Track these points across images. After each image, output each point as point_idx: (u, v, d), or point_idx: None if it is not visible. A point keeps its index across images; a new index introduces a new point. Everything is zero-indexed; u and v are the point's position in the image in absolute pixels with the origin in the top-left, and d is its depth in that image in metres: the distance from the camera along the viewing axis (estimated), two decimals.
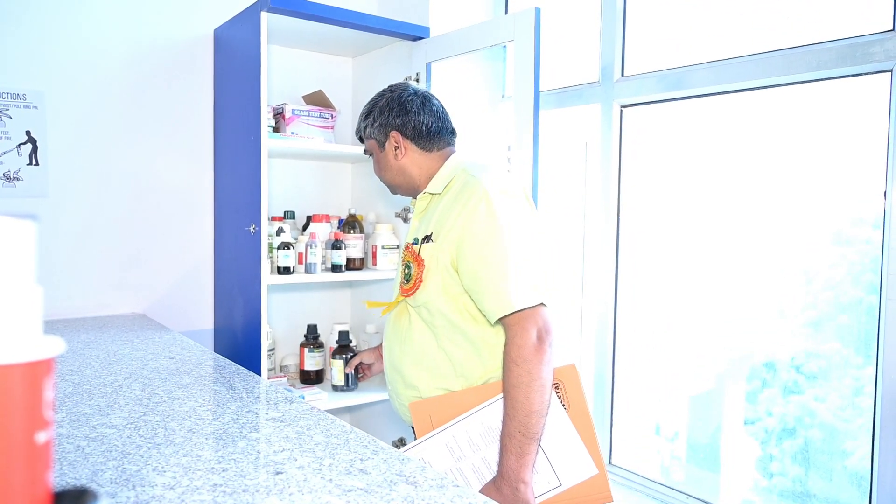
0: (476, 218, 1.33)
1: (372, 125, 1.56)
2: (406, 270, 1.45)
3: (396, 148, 1.53)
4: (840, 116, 1.75)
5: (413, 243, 1.46)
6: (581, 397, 1.43)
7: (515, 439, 1.26)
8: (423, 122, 1.51)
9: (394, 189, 1.62)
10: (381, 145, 1.56)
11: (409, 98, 1.53)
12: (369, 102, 1.59)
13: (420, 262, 1.41)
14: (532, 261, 1.34)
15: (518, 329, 1.28)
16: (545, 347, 1.27)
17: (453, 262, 1.37)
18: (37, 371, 0.38)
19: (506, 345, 1.30)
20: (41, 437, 0.39)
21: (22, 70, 2.05)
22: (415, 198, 1.58)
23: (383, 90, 1.59)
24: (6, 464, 0.37)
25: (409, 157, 1.53)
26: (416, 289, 1.41)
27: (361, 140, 1.63)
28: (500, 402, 1.33)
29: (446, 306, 1.39)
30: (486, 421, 1.35)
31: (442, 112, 1.56)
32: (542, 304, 1.30)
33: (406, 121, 1.51)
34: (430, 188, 1.49)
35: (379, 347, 1.91)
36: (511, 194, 1.38)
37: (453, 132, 1.58)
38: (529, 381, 1.26)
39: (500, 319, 1.31)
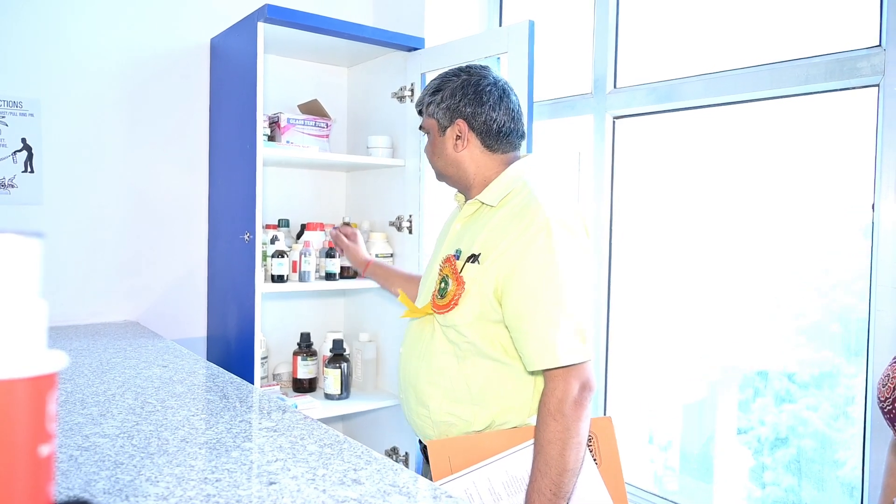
0: (533, 250, 1.21)
1: (438, 105, 1.39)
2: (442, 285, 1.33)
3: (458, 138, 1.38)
4: (829, 129, 1.77)
5: (455, 256, 1.33)
6: (615, 451, 1.34)
7: (545, 497, 1.19)
8: (495, 120, 1.35)
9: (441, 177, 1.47)
10: (442, 130, 1.40)
11: (488, 88, 1.36)
12: (441, 77, 1.41)
13: (460, 283, 1.29)
14: (583, 308, 1.23)
15: (560, 381, 1.20)
16: (585, 403, 1.20)
17: (497, 292, 1.25)
18: (41, 385, 0.39)
19: (544, 394, 1.22)
20: (44, 450, 0.40)
21: (18, 78, 2.06)
22: (462, 195, 1.46)
23: (459, 68, 1.41)
24: (10, 476, 0.37)
25: (470, 152, 1.38)
26: (450, 309, 1.29)
27: (420, 113, 1.46)
28: (526, 451, 1.26)
29: (478, 334, 1.28)
30: (511, 470, 1.26)
31: (517, 111, 1.40)
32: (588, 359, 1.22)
33: (478, 112, 1.35)
34: (483, 197, 1.35)
35: (369, 262, 2.00)
36: (573, 229, 1.26)
37: (523, 135, 1.42)
38: (567, 438, 1.18)
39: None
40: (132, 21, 2.23)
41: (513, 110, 1.39)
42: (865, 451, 1.61)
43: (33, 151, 2.09)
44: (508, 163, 1.39)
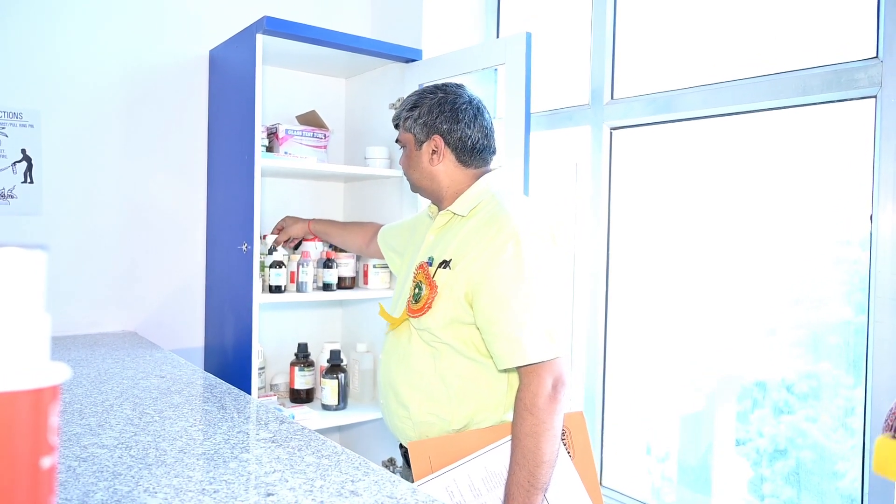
0: (502, 257, 1.27)
1: (415, 120, 1.45)
2: (416, 290, 1.39)
3: (434, 153, 1.44)
4: (827, 140, 1.78)
5: (428, 263, 1.40)
6: (587, 444, 1.39)
7: (523, 488, 1.22)
8: (470, 136, 1.43)
9: (415, 189, 1.54)
10: (419, 144, 1.46)
11: (463, 106, 1.44)
12: (418, 94, 1.48)
13: (433, 287, 1.35)
14: (552, 309, 1.29)
15: (534, 377, 1.25)
16: (559, 397, 1.25)
17: (468, 296, 1.31)
18: (44, 397, 0.39)
19: (519, 390, 1.27)
20: (46, 462, 0.39)
21: (19, 89, 2.06)
22: (435, 206, 1.52)
23: (436, 86, 1.48)
24: (12, 489, 0.37)
25: (445, 167, 1.45)
26: (424, 313, 1.36)
27: (396, 127, 1.52)
28: (504, 447, 1.30)
29: (452, 336, 1.34)
30: (490, 466, 1.31)
31: (490, 128, 1.47)
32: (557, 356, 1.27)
33: (454, 129, 1.43)
34: (454, 207, 1.42)
35: (310, 222, 2.11)
36: (540, 236, 1.33)
37: (494, 151, 1.49)
38: (542, 431, 1.23)
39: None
40: (132, 33, 2.24)
41: (486, 128, 1.46)
42: (865, 462, 1.60)
43: (33, 162, 2.09)
44: (479, 177, 1.46)
